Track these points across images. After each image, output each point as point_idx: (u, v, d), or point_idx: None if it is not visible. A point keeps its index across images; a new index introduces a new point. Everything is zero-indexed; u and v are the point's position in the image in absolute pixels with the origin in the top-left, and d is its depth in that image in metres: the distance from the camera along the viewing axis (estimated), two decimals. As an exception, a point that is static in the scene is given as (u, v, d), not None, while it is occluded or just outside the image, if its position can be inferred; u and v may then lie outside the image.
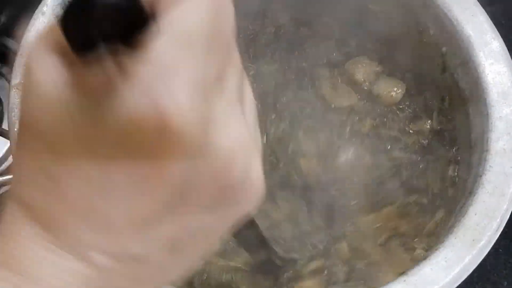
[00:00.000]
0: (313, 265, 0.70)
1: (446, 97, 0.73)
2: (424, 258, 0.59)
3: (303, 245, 0.72)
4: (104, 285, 0.29)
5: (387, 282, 0.58)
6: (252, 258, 0.65)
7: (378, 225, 0.72)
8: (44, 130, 0.26)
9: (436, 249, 0.58)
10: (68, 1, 0.23)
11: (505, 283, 0.80)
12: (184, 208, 0.28)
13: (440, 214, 0.69)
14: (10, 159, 0.87)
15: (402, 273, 0.58)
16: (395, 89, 0.79)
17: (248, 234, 0.56)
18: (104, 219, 0.27)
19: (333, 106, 0.80)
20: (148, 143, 0.25)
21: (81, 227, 0.27)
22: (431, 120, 0.76)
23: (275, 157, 0.77)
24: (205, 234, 0.31)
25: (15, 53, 0.94)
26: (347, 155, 0.76)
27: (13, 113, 0.61)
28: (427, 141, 0.76)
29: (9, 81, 0.92)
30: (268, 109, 0.79)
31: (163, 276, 0.31)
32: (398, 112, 0.79)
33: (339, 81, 0.81)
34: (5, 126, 0.89)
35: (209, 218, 0.30)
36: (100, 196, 0.27)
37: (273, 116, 0.79)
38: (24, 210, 0.28)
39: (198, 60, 0.25)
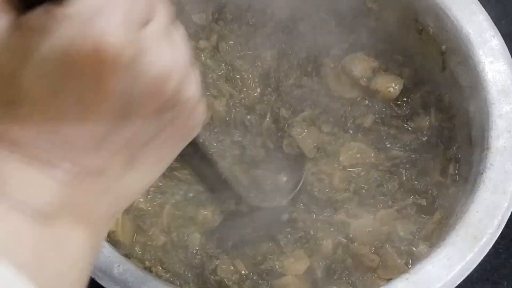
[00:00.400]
0: (298, 263, 0.70)
1: (446, 95, 0.73)
2: (426, 256, 0.59)
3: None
4: (70, 196, 0.32)
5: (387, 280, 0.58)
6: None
7: (370, 229, 0.71)
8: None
9: (437, 247, 0.59)
10: None
11: (505, 283, 0.80)
12: (129, 121, 0.32)
13: (438, 216, 0.69)
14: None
15: (390, 279, 0.58)
16: (393, 84, 0.78)
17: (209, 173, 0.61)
18: (61, 137, 0.31)
19: (336, 95, 0.80)
20: (89, 68, 0.29)
21: (41, 144, 0.31)
22: (430, 117, 0.76)
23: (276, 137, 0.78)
24: (156, 147, 0.35)
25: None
26: (350, 151, 0.76)
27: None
28: (426, 137, 0.76)
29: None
30: (270, 92, 0.80)
31: (123, 186, 0.35)
32: (396, 108, 0.79)
33: (342, 74, 0.81)
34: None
35: (154, 131, 0.34)
36: (54, 116, 0.31)
37: (273, 98, 0.79)
38: None
39: None
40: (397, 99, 0.79)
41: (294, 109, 0.78)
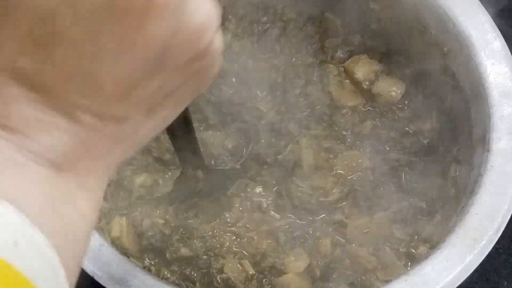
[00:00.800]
0: (297, 262, 0.70)
1: (447, 97, 0.73)
2: (425, 257, 0.59)
3: None
4: (90, 143, 0.32)
5: (386, 281, 0.58)
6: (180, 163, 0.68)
7: (368, 230, 0.72)
8: (30, 3, 0.28)
9: (437, 249, 0.59)
10: None
11: (505, 283, 0.80)
12: (162, 70, 0.32)
13: (438, 218, 0.69)
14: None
15: (390, 280, 0.58)
16: (395, 88, 0.79)
17: (184, 136, 0.61)
18: (92, 82, 0.30)
19: (339, 104, 0.80)
20: (135, 10, 0.28)
21: (70, 89, 0.30)
22: (431, 120, 0.76)
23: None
24: (175, 97, 0.35)
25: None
26: (345, 161, 0.76)
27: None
28: (427, 140, 0.76)
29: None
30: (275, 100, 0.80)
31: (137, 135, 0.35)
32: (397, 111, 0.79)
33: (345, 78, 0.81)
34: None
35: (179, 82, 0.34)
36: (88, 60, 0.29)
37: (281, 108, 0.79)
38: (11, 76, 0.30)
39: None
40: (399, 102, 0.79)
41: (300, 124, 0.79)
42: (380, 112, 0.79)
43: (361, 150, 0.77)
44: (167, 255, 0.69)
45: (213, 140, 0.77)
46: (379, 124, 0.78)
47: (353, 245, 0.70)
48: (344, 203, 0.74)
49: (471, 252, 0.58)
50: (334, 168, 0.76)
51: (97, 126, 0.31)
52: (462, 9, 0.69)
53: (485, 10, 0.68)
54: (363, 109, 0.80)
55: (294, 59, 0.82)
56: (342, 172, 0.76)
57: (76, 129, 0.31)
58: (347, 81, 0.81)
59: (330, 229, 0.72)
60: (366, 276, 0.68)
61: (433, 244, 0.65)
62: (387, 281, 0.58)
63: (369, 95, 0.80)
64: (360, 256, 0.69)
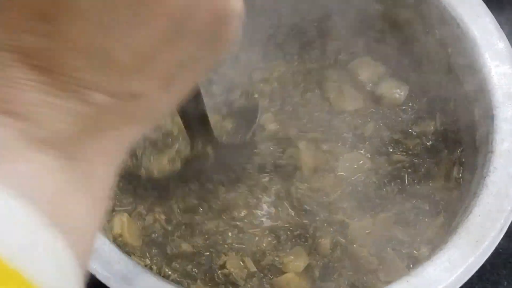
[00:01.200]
0: (297, 261, 0.70)
1: (451, 98, 0.73)
2: (428, 258, 0.59)
3: None
4: (102, 123, 0.29)
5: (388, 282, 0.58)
6: (188, 136, 0.68)
7: (369, 231, 0.72)
8: None
9: (440, 250, 0.59)
10: None
11: (505, 283, 0.80)
12: (179, 38, 0.29)
13: (440, 220, 0.69)
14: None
15: (390, 281, 0.58)
16: (398, 90, 0.79)
17: (193, 109, 0.60)
18: (106, 55, 0.27)
19: (338, 109, 0.80)
20: None
21: (82, 65, 0.27)
22: (435, 121, 0.76)
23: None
24: (192, 68, 0.32)
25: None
26: (347, 163, 0.76)
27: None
28: (430, 142, 0.76)
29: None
30: (275, 108, 0.79)
31: (155, 111, 0.32)
32: (401, 113, 0.79)
33: (346, 82, 0.81)
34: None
35: (198, 51, 0.31)
36: (101, 32, 0.26)
37: (279, 116, 0.79)
38: (17, 54, 0.27)
39: None
40: (402, 104, 0.79)
41: (300, 129, 0.78)
42: (383, 114, 0.79)
43: (363, 151, 0.77)
44: (168, 251, 0.69)
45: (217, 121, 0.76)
46: (382, 126, 0.78)
47: (355, 245, 0.70)
48: (346, 204, 0.74)
49: (473, 253, 0.58)
50: (336, 170, 0.76)
51: (109, 105, 0.28)
52: (466, 10, 0.69)
53: (489, 11, 0.68)
54: (364, 112, 0.79)
55: (296, 64, 0.82)
56: (344, 173, 0.76)
57: (86, 110, 0.28)
58: (347, 85, 0.81)
59: (331, 229, 0.71)
60: (367, 277, 0.68)
61: (435, 246, 0.65)
62: (389, 282, 0.58)
63: (372, 97, 0.80)
64: (361, 256, 0.69)
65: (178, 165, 0.73)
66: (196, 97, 0.59)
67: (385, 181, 0.75)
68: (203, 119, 0.64)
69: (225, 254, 0.70)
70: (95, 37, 0.27)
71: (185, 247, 0.69)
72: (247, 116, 0.77)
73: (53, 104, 0.27)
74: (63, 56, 0.27)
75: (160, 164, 0.73)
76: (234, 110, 0.77)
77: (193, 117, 0.63)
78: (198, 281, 0.68)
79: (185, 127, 0.65)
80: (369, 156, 0.76)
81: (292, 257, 0.70)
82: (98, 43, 0.27)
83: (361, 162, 0.76)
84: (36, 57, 0.27)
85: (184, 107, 0.60)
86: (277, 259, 0.70)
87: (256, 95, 0.78)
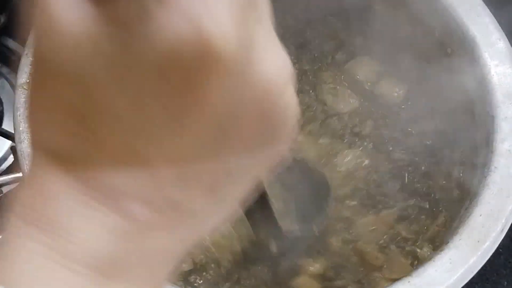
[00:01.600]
0: (313, 265, 0.70)
1: (451, 98, 0.73)
2: (429, 259, 0.59)
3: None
4: (142, 239, 0.26)
5: (390, 284, 0.58)
6: (255, 233, 0.63)
7: (374, 227, 0.71)
8: (71, 71, 0.23)
9: (440, 250, 0.58)
10: None
11: (505, 283, 0.80)
12: (226, 143, 0.26)
13: (441, 219, 0.69)
14: (10, 159, 0.87)
15: (397, 279, 0.58)
16: (397, 89, 0.79)
17: (258, 207, 0.55)
18: (143, 163, 0.25)
19: (333, 112, 0.80)
20: (188, 71, 0.22)
21: (118, 174, 0.25)
22: (435, 121, 0.76)
23: None
24: (242, 175, 0.28)
25: (15, 53, 0.94)
26: (346, 159, 0.76)
27: (18, 113, 0.61)
28: (430, 141, 0.76)
29: (9, 81, 0.92)
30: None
31: (200, 225, 0.29)
32: (400, 112, 0.79)
33: (342, 82, 0.81)
34: (5, 126, 0.88)
35: (247, 156, 0.27)
36: (138, 138, 0.24)
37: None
38: (52, 159, 0.25)
39: None
40: (401, 103, 0.79)
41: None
42: (382, 113, 0.79)
43: (361, 149, 0.77)
44: None
45: None
46: (382, 124, 0.78)
47: (360, 242, 0.70)
48: (348, 200, 0.74)
49: (474, 254, 0.57)
50: (336, 167, 0.76)
51: (148, 217, 0.26)
52: (466, 10, 0.69)
53: (489, 11, 0.68)
54: (362, 111, 0.80)
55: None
56: (343, 170, 0.76)
57: (123, 223, 0.25)
58: (345, 84, 0.81)
59: (338, 227, 0.72)
60: (374, 274, 0.68)
61: (436, 246, 0.65)
62: (393, 280, 0.58)
63: (371, 96, 0.80)
64: (367, 253, 0.69)
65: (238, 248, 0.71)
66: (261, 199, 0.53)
67: (386, 177, 0.75)
68: (267, 208, 0.58)
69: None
70: (133, 143, 0.25)
71: None
72: (316, 198, 0.72)
73: (87, 217, 0.25)
74: (99, 161, 0.25)
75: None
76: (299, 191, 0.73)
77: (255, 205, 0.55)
78: None
79: (246, 214, 0.59)
80: (368, 153, 0.76)
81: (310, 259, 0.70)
82: (136, 150, 0.25)
83: (359, 160, 0.76)
84: (69, 162, 0.25)
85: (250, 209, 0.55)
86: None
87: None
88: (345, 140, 0.78)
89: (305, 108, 0.79)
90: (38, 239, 0.25)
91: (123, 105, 0.23)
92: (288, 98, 0.26)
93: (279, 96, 0.25)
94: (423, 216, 0.72)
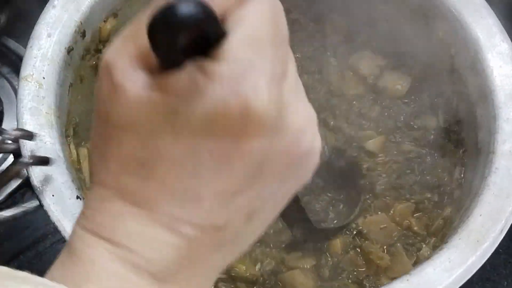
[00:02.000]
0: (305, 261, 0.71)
1: (453, 98, 0.73)
2: (428, 258, 0.59)
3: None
4: (192, 254, 0.32)
5: (389, 282, 0.59)
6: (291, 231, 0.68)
7: (385, 225, 0.72)
8: (134, 128, 0.30)
9: (440, 250, 0.59)
10: (155, 16, 0.27)
11: (505, 283, 0.80)
12: (261, 180, 0.32)
13: (447, 211, 0.70)
14: (10, 159, 0.87)
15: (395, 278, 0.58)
16: (401, 81, 0.79)
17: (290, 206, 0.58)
18: (193, 195, 0.31)
19: (338, 93, 0.80)
20: (233, 128, 0.29)
21: (171, 203, 0.31)
22: (437, 118, 0.76)
23: None
24: (274, 202, 0.35)
25: (15, 53, 0.94)
26: (356, 136, 0.77)
27: (21, 104, 0.61)
28: (432, 136, 0.76)
29: (9, 81, 0.92)
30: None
31: (239, 243, 0.35)
32: (403, 106, 0.79)
33: (347, 70, 0.81)
34: (5, 126, 0.88)
35: (278, 187, 0.34)
36: (189, 176, 0.30)
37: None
38: (113, 192, 0.31)
39: (268, 56, 0.30)
40: (404, 96, 0.79)
41: None
42: (385, 105, 0.79)
43: (371, 130, 0.77)
44: None
45: None
46: (386, 114, 0.79)
47: (367, 242, 0.71)
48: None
49: (473, 254, 0.58)
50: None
51: (197, 236, 0.32)
52: (470, 11, 0.69)
53: (493, 13, 0.68)
54: (367, 98, 0.80)
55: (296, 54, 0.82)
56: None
57: (177, 241, 0.31)
58: (350, 72, 0.81)
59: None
60: (377, 274, 0.68)
61: (439, 240, 0.65)
62: (392, 279, 0.58)
63: (374, 89, 0.80)
64: (372, 252, 0.69)
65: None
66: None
67: (403, 169, 0.75)
68: (297, 206, 0.64)
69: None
70: (182, 180, 0.31)
71: None
72: (349, 193, 0.76)
73: (148, 234, 0.31)
74: (155, 195, 0.31)
75: None
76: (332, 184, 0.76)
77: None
78: None
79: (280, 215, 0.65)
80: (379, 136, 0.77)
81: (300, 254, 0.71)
82: (185, 185, 0.31)
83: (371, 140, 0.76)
84: (134, 194, 0.31)
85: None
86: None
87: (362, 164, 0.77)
88: (352, 123, 0.78)
89: (309, 89, 0.79)
90: (109, 249, 0.31)
91: (177, 152, 0.30)
92: (314, 140, 0.33)
93: (306, 140, 0.33)
94: (434, 209, 0.72)
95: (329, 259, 0.70)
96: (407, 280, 0.57)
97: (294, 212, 0.65)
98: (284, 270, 0.69)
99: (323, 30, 0.82)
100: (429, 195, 0.73)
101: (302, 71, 0.80)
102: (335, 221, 0.74)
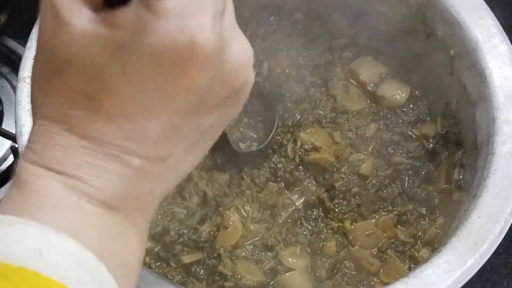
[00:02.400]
0: (300, 261, 0.70)
1: (452, 100, 0.73)
2: (426, 260, 0.59)
3: None
4: (138, 183, 0.34)
5: (388, 284, 0.58)
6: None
7: (371, 231, 0.72)
8: (80, 62, 0.31)
9: (438, 252, 0.58)
10: None
11: (505, 283, 0.80)
12: (202, 111, 0.34)
13: (441, 221, 0.69)
14: (10, 159, 0.87)
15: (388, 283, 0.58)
16: (399, 91, 0.78)
17: None
18: (140, 128, 0.32)
19: (342, 109, 0.79)
20: (179, 63, 0.31)
21: (119, 135, 0.32)
22: (436, 124, 0.76)
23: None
24: (211, 133, 0.37)
25: (15, 53, 0.94)
26: (352, 162, 0.76)
27: (20, 106, 0.61)
28: (431, 145, 0.76)
29: (9, 81, 0.92)
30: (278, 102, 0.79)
31: (179, 171, 0.37)
32: (402, 115, 0.79)
33: (350, 82, 0.81)
34: (5, 126, 0.88)
35: (216, 118, 0.36)
36: (136, 109, 0.32)
37: (280, 110, 0.79)
38: (61, 126, 0.32)
39: None
40: (403, 105, 0.79)
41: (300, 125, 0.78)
42: (384, 115, 0.79)
43: (363, 151, 0.77)
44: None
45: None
46: (383, 128, 0.78)
47: (356, 247, 0.70)
48: (347, 204, 0.74)
49: (472, 256, 0.57)
50: (341, 171, 0.76)
51: (143, 167, 0.33)
52: (469, 12, 0.68)
53: (492, 13, 0.68)
54: (368, 112, 0.79)
55: (300, 59, 0.82)
56: (346, 174, 0.76)
57: (124, 171, 0.33)
58: (353, 84, 0.81)
59: (331, 231, 0.72)
60: (369, 279, 0.68)
61: (435, 248, 0.65)
62: (389, 284, 0.58)
63: (373, 98, 0.80)
64: (362, 258, 0.69)
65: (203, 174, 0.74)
66: None
67: (386, 182, 0.74)
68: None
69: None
70: (129, 113, 0.32)
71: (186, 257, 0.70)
72: (264, 120, 0.78)
73: (97, 165, 0.33)
74: (103, 128, 0.32)
75: None
76: (250, 115, 0.78)
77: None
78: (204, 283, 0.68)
79: None
80: (370, 156, 0.76)
81: (294, 254, 0.70)
82: (132, 118, 0.32)
83: (364, 164, 0.76)
84: (81, 128, 0.32)
85: None
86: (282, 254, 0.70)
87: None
88: (352, 144, 0.78)
89: (316, 103, 0.80)
90: (60, 179, 0.32)
91: (124, 87, 0.31)
92: (249, 74, 0.35)
93: (244, 73, 0.35)
94: (421, 220, 0.72)
95: (325, 260, 0.70)
96: (406, 283, 0.57)
97: None
98: (282, 269, 0.69)
99: (328, 33, 0.83)
100: (415, 208, 0.73)
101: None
102: (254, 144, 0.76)
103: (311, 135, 0.76)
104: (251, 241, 0.71)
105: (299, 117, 0.78)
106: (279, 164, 0.75)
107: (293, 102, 0.79)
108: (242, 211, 0.72)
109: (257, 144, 0.77)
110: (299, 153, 0.75)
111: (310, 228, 0.72)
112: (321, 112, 0.78)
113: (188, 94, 0.32)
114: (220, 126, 0.38)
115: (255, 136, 0.78)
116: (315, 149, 0.76)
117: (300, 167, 0.75)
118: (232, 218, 0.70)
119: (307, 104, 0.79)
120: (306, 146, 0.75)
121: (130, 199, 0.34)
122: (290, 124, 0.78)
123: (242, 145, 0.77)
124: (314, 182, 0.75)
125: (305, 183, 0.75)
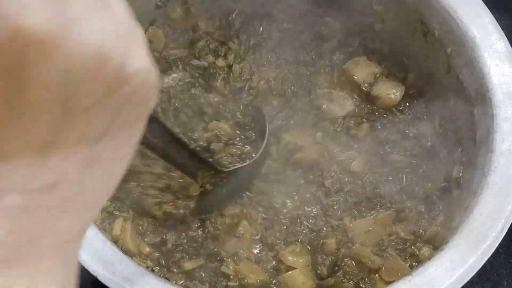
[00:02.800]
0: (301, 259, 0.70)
1: (450, 98, 0.73)
2: (429, 258, 0.59)
3: None
4: (27, 224, 0.26)
5: (390, 282, 0.58)
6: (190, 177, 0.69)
7: (370, 228, 0.72)
8: None
9: (440, 250, 0.59)
10: None
11: (505, 283, 0.80)
12: (78, 111, 0.26)
13: (441, 219, 0.69)
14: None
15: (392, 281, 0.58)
16: (394, 91, 0.78)
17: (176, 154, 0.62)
18: (4, 156, 0.25)
19: (329, 116, 0.79)
20: (12, 59, 0.22)
21: None
22: (433, 122, 0.76)
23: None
24: (115, 134, 0.29)
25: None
26: (342, 160, 0.76)
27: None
28: (429, 143, 0.76)
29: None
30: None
31: (84, 198, 0.29)
32: (398, 114, 0.79)
33: (338, 84, 0.81)
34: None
35: (110, 119, 0.28)
36: None
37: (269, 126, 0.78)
38: None
39: None
40: (399, 104, 0.79)
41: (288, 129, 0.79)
42: (379, 114, 0.79)
43: (356, 151, 0.77)
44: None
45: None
46: (379, 127, 0.78)
47: (357, 245, 0.70)
48: (345, 202, 0.74)
49: (474, 253, 0.58)
50: (330, 169, 0.76)
51: (28, 202, 0.26)
52: (466, 10, 0.69)
53: (489, 11, 0.68)
54: (358, 113, 0.79)
55: (286, 71, 0.82)
56: (340, 172, 0.76)
57: (6, 214, 0.26)
58: (338, 89, 0.81)
59: (331, 229, 0.72)
60: (370, 276, 0.68)
61: (436, 245, 0.65)
62: (391, 282, 0.58)
63: (368, 97, 0.80)
64: (363, 255, 0.68)
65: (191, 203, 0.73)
66: (173, 142, 0.60)
67: (383, 180, 0.75)
68: (194, 158, 0.65)
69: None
70: None
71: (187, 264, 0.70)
72: (253, 134, 0.77)
73: None
74: None
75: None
76: (238, 131, 0.77)
77: (182, 161, 0.64)
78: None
79: (178, 169, 0.66)
80: (364, 156, 0.76)
81: (295, 252, 0.71)
82: None
83: (355, 161, 0.76)
84: None
85: (167, 156, 0.62)
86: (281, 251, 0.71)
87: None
88: (341, 144, 0.78)
89: (299, 112, 0.80)
90: None
91: None
92: (123, 58, 0.26)
93: (110, 60, 0.25)
94: (421, 218, 0.72)
95: (325, 257, 0.70)
96: (409, 281, 0.57)
97: (196, 163, 0.66)
98: (283, 268, 0.70)
99: (317, 38, 0.83)
100: (414, 206, 0.73)
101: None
102: (243, 160, 0.75)
103: (293, 136, 0.77)
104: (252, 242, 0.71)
105: (283, 122, 0.79)
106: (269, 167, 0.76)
107: (276, 112, 0.79)
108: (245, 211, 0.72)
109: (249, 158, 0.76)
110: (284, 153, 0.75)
111: (309, 226, 0.72)
112: (304, 118, 0.79)
113: (38, 98, 0.23)
114: (126, 127, 0.29)
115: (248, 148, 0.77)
116: (298, 149, 0.76)
117: (287, 167, 0.76)
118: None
119: (291, 110, 0.79)
120: (289, 147, 0.76)
121: (22, 247, 0.26)
122: (271, 128, 0.78)
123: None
124: (303, 181, 0.75)
125: (297, 182, 0.75)
